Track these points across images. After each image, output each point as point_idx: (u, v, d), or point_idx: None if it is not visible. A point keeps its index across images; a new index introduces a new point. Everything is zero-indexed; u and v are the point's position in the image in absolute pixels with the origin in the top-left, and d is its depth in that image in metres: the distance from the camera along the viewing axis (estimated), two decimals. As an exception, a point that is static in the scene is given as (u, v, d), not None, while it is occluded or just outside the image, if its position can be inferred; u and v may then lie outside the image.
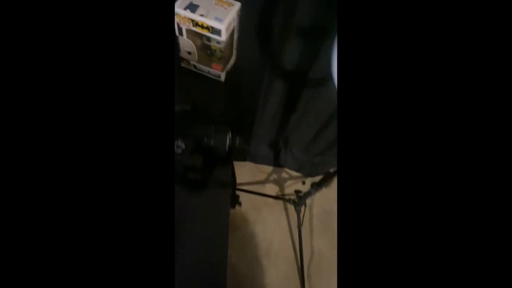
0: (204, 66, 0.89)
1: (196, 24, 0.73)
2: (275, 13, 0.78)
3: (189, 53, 0.85)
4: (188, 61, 0.88)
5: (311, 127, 1.16)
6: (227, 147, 0.69)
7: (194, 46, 0.82)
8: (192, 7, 0.73)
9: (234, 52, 0.89)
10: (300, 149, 1.34)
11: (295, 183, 1.44)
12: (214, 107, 0.87)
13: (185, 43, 0.82)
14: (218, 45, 0.81)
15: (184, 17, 0.72)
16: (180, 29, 0.77)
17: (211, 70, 0.89)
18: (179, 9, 0.71)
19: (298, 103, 1.05)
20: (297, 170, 1.45)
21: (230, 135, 0.69)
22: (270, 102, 1.09)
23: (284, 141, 1.33)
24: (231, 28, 0.77)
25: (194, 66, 0.90)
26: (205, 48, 0.86)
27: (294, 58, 0.90)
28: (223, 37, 0.74)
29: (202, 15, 0.73)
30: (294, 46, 0.85)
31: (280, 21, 0.79)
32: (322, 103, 1.00)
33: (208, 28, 0.73)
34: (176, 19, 0.74)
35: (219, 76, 0.90)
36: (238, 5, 0.76)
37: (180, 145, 0.64)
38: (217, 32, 0.73)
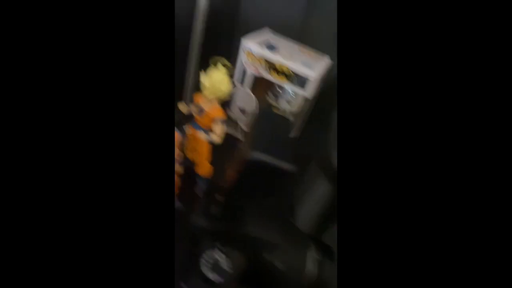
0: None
1: (272, 67, 0.54)
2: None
3: (243, 111, 0.65)
4: (236, 124, 0.67)
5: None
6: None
7: (256, 102, 0.62)
8: (271, 47, 0.56)
9: (297, 129, 0.67)
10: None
11: None
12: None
13: (243, 97, 0.62)
14: (285, 107, 0.61)
15: (258, 58, 0.54)
16: (243, 75, 0.58)
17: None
18: (252, 46, 0.54)
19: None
20: None
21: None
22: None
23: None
24: (317, 86, 0.57)
25: (242, 130, 0.68)
26: (264, 109, 0.65)
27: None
28: (308, 90, 0.54)
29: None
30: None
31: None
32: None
33: (288, 75, 0.54)
34: (245, 59, 0.56)
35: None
36: (327, 61, 0.58)
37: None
38: (302, 81, 0.53)
